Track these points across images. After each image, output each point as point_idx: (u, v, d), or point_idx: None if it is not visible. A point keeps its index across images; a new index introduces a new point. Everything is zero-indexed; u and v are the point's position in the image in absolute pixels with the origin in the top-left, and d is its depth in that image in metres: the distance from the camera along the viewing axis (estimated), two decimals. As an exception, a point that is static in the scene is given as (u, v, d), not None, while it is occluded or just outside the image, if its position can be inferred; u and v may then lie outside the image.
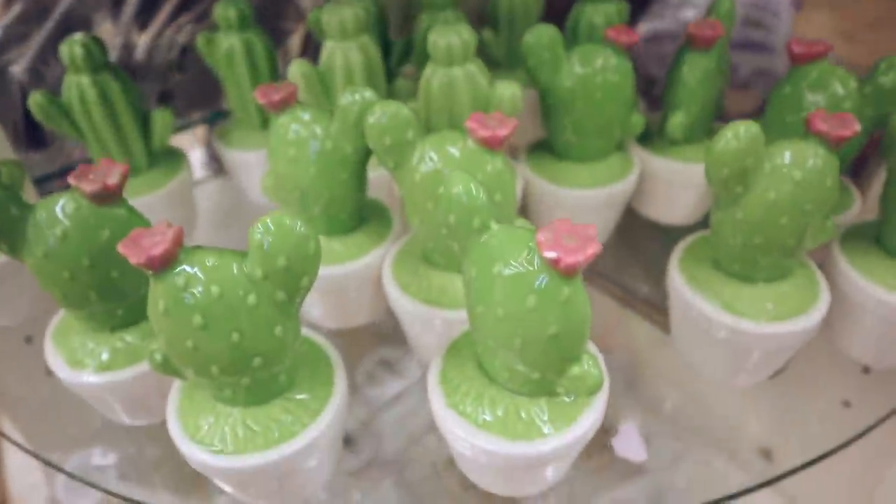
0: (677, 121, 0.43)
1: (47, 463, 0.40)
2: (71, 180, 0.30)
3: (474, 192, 0.26)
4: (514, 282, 0.25)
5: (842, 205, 0.42)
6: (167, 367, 0.28)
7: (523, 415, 0.28)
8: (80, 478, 0.40)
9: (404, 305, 0.35)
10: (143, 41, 0.52)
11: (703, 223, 0.40)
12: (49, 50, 0.55)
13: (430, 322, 0.35)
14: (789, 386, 0.52)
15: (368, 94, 0.33)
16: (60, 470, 0.40)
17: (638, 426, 0.45)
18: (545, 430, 0.28)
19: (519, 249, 0.25)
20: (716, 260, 0.36)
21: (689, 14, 0.74)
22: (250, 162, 0.49)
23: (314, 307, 0.40)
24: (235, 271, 0.25)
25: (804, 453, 0.58)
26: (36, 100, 0.41)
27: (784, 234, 0.32)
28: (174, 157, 0.47)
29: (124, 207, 0.31)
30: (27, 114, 0.52)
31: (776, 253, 0.33)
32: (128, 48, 0.56)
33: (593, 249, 0.24)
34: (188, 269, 0.25)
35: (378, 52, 0.43)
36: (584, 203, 0.43)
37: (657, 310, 0.56)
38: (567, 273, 0.24)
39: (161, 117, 0.44)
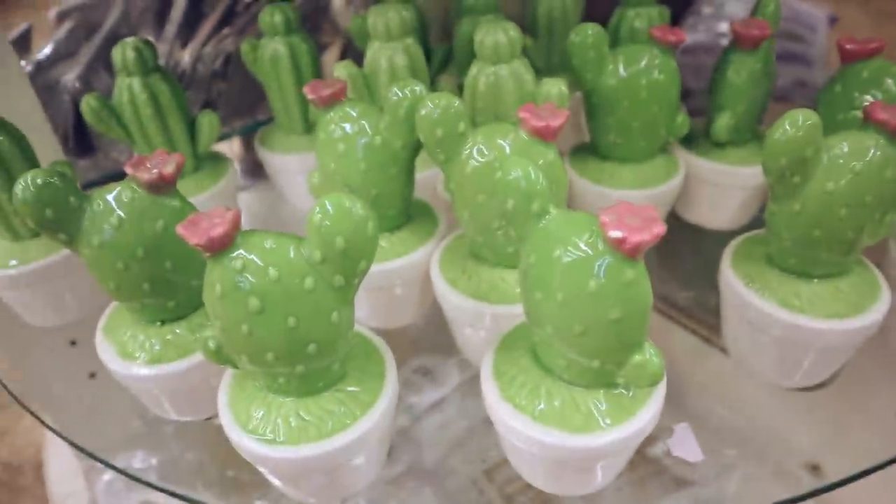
0: (723, 122, 0.43)
1: (100, 460, 0.40)
2: (128, 170, 0.30)
3: (533, 176, 0.26)
4: (575, 265, 0.24)
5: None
6: (220, 356, 0.28)
7: (581, 407, 0.27)
8: (133, 475, 0.40)
9: (453, 301, 0.35)
10: (188, 51, 0.53)
11: (747, 228, 0.40)
12: (97, 63, 0.56)
13: (479, 317, 0.34)
14: (839, 397, 0.50)
15: (419, 87, 0.34)
16: (112, 467, 0.40)
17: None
18: (603, 422, 0.27)
19: (580, 232, 0.25)
20: (770, 256, 0.35)
21: (724, 26, 0.74)
22: (292, 166, 0.49)
23: (359, 306, 0.40)
24: (293, 254, 0.25)
25: (854, 468, 0.56)
26: (89, 102, 0.42)
27: (843, 227, 0.31)
28: (219, 161, 0.48)
29: (178, 198, 0.31)
30: (76, 122, 0.54)
31: (834, 247, 0.32)
32: (172, 62, 0.58)
33: (658, 229, 0.23)
34: (245, 251, 0.25)
35: (422, 54, 0.43)
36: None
37: (699, 320, 0.55)
38: (632, 254, 0.23)
39: (208, 121, 0.45)
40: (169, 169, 0.30)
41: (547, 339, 0.27)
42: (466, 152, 0.32)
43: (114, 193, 0.30)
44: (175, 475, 0.49)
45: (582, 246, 0.24)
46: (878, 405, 0.47)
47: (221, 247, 0.25)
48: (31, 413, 0.45)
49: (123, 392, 0.46)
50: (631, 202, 0.24)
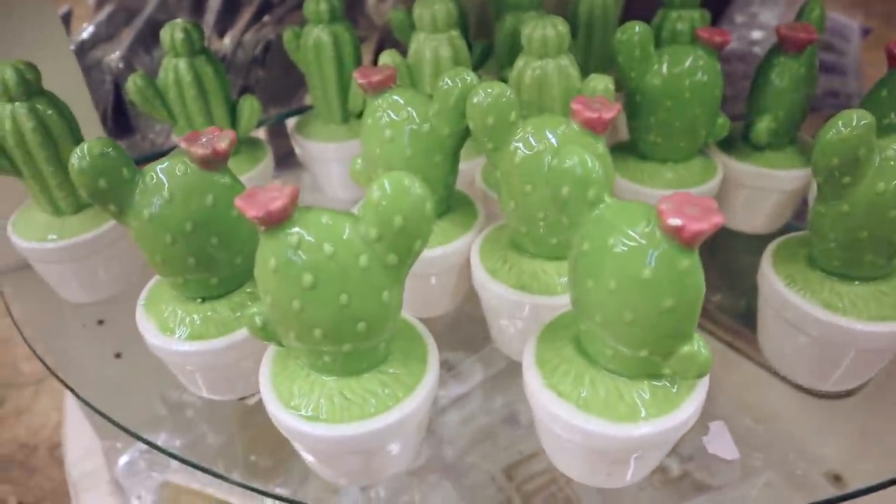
0: (764, 125, 0.43)
1: (132, 434, 0.40)
2: (182, 144, 0.30)
3: (590, 164, 0.26)
4: (630, 253, 0.24)
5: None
6: (266, 332, 0.28)
7: (625, 396, 0.27)
8: (162, 448, 0.40)
9: (493, 290, 0.35)
10: (228, 37, 0.53)
11: (780, 233, 0.39)
12: (137, 46, 0.57)
13: (518, 308, 0.35)
14: (865, 407, 0.50)
15: (470, 76, 0.34)
16: (142, 440, 0.40)
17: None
18: (647, 412, 0.27)
19: (637, 220, 0.25)
20: (812, 258, 0.35)
21: (757, 35, 0.74)
22: (329, 155, 0.50)
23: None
24: (349, 231, 0.25)
25: (876, 478, 0.56)
26: (135, 81, 0.42)
27: (891, 230, 0.31)
28: (257, 146, 0.48)
29: (228, 175, 0.32)
30: (115, 102, 0.54)
31: (881, 249, 0.32)
32: (211, 49, 0.58)
33: (717, 219, 0.23)
34: (301, 226, 0.25)
35: (465, 47, 0.44)
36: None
37: (726, 326, 0.55)
38: (689, 242, 0.23)
39: (249, 104, 0.45)
40: (222, 144, 0.30)
41: (594, 328, 0.27)
42: (516, 142, 0.32)
43: (165, 166, 0.31)
44: (197, 458, 0.49)
45: (638, 234, 0.24)
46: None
47: (279, 220, 0.25)
48: (64, 384, 0.45)
49: (148, 373, 0.46)
50: (689, 193, 0.24)
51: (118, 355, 0.54)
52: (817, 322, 0.33)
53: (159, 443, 0.50)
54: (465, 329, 0.53)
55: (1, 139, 0.38)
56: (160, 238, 0.31)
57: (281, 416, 0.29)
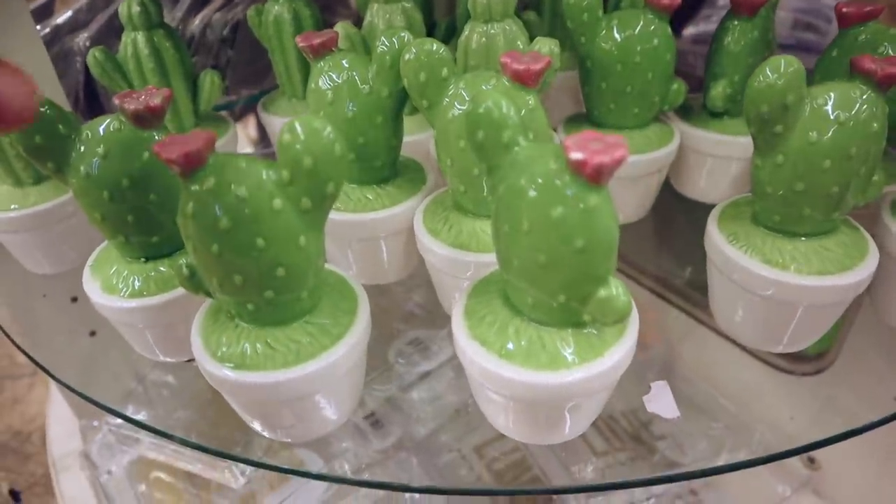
0: (719, 90, 0.43)
1: (103, 406, 0.41)
2: (115, 100, 0.31)
3: (504, 107, 0.26)
4: (540, 191, 0.24)
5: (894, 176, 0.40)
6: (194, 282, 0.29)
7: (547, 345, 0.27)
8: (134, 420, 0.40)
9: (434, 250, 0.35)
10: (198, 17, 0.54)
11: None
12: (109, 31, 0.58)
13: (459, 267, 0.34)
14: (836, 382, 0.49)
15: (406, 34, 0.34)
16: (114, 412, 0.41)
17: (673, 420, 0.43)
18: (570, 360, 0.27)
19: (546, 159, 0.25)
20: (756, 215, 0.34)
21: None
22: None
23: (345, 262, 0.41)
24: (263, 175, 0.26)
25: (848, 456, 0.55)
26: (94, 55, 0.43)
27: (827, 181, 0.31)
28: (220, 121, 0.49)
29: (164, 133, 0.32)
30: (86, 85, 0.55)
31: (819, 203, 0.32)
32: (183, 31, 0.59)
33: (621, 153, 0.23)
34: (217, 171, 0.25)
35: (421, 18, 0.44)
36: (622, 171, 0.43)
37: (693, 300, 0.54)
38: (594, 178, 0.23)
39: (210, 79, 0.46)
40: (156, 101, 0.31)
41: (514, 276, 0.27)
42: (449, 98, 0.33)
43: (102, 125, 0.31)
44: (166, 430, 0.49)
45: (547, 172, 0.24)
46: (878, 392, 0.46)
47: (195, 165, 0.25)
48: (37, 364, 0.46)
49: (122, 350, 0.47)
50: (599, 133, 0.24)
51: (93, 333, 0.55)
52: (760, 279, 0.33)
53: (130, 415, 0.51)
54: (437, 307, 0.53)
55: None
56: (98, 195, 0.31)
57: (209, 366, 0.29)
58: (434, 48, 0.32)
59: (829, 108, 0.30)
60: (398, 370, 0.53)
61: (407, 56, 0.32)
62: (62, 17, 0.58)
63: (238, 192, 0.25)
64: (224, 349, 0.29)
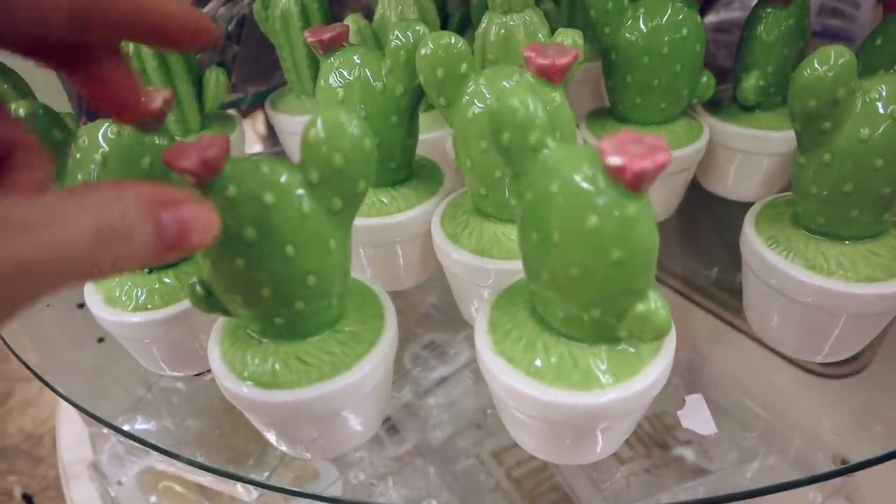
0: (751, 82, 0.40)
1: (104, 422, 0.39)
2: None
3: (531, 106, 0.24)
4: (572, 199, 0.22)
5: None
6: (209, 301, 0.27)
7: (580, 363, 0.25)
8: (136, 437, 0.39)
9: (453, 257, 0.33)
10: (204, 11, 0.52)
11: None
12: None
13: (480, 275, 0.33)
14: (873, 385, 0.47)
15: (422, 28, 0.32)
16: (115, 428, 0.39)
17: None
18: (604, 380, 0.25)
19: (579, 164, 0.23)
20: (797, 217, 0.32)
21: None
22: (299, 129, 0.48)
23: (360, 268, 0.39)
24: (289, 178, 0.24)
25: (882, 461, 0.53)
26: (93, 53, 0.41)
27: (878, 181, 0.28)
28: (226, 120, 0.47)
29: (167, 137, 0.30)
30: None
31: (868, 204, 0.29)
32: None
33: (664, 157, 0.21)
34: (237, 177, 0.23)
35: (434, 10, 0.42)
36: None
37: (721, 302, 0.52)
38: (633, 185, 0.21)
39: (215, 77, 0.44)
40: (156, 104, 0.29)
41: (543, 288, 0.25)
42: (468, 95, 0.30)
43: (101, 130, 0.29)
44: (174, 444, 0.48)
45: (580, 178, 0.22)
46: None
47: (212, 172, 0.23)
48: (40, 378, 0.44)
49: (131, 358, 0.45)
50: (636, 131, 0.22)
51: (101, 340, 0.53)
52: (802, 285, 0.31)
53: (138, 427, 0.49)
54: (453, 310, 0.51)
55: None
56: (97, 204, 0.30)
57: (235, 388, 0.27)
58: (452, 42, 0.30)
59: (882, 102, 0.27)
60: (414, 375, 0.52)
61: (423, 51, 0.30)
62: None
63: (264, 199, 0.23)
64: (251, 368, 0.27)
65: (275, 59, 0.51)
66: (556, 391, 0.25)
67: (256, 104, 0.59)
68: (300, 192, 0.24)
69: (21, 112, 0.28)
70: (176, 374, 0.36)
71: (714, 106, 0.43)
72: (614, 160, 0.21)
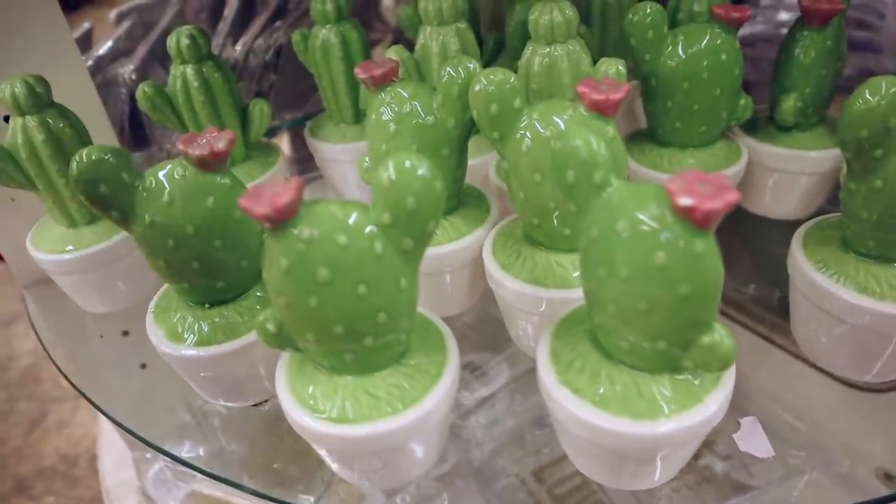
0: (790, 103, 0.41)
1: (153, 446, 0.40)
2: (180, 144, 0.30)
3: (595, 145, 0.25)
4: (641, 237, 0.23)
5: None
6: (280, 338, 0.27)
7: (644, 392, 0.26)
8: (185, 461, 0.40)
9: (507, 286, 0.33)
10: (240, 43, 0.53)
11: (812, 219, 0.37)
12: (152, 59, 0.57)
13: (533, 303, 0.33)
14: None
15: (473, 64, 0.33)
16: (165, 453, 0.40)
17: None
18: (668, 408, 0.25)
19: (646, 202, 0.23)
20: (846, 240, 0.33)
21: (783, 16, 0.71)
22: (341, 156, 0.49)
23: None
24: (361, 219, 0.24)
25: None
26: (144, 90, 0.42)
27: (930, 206, 0.29)
28: (269, 151, 0.48)
29: (229, 176, 0.31)
30: (131, 115, 0.55)
31: (920, 228, 0.30)
32: (224, 57, 0.58)
33: (732, 197, 0.22)
34: (311, 220, 0.24)
35: (474, 38, 0.43)
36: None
37: (760, 318, 0.52)
38: (702, 224, 0.22)
39: (259, 109, 0.45)
40: (220, 145, 0.30)
41: (608, 320, 0.26)
42: (522, 129, 0.31)
43: (165, 171, 0.30)
44: (221, 468, 0.49)
45: (648, 217, 0.23)
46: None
47: (288, 216, 0.24)
48: (87, 399, 0.45)
49: (173, 383, 0.46)
50: (699, 170, 0.23)
51: (143, 366, 0.54)
52: (852, 308, 0.31)
53: (184, 452, 0.50)
54: (489, 329, 0.52)
55: (14, 152, 0.39)
56: (163, 243, 0.30)
57: (307, 422, 0.27)
58: (504, 78, 0.31)
59: (933, 129, 0.28)
60: (456, 397, 0.52)
61: (477, 87, 0.31)
62: (103, 48, 0.58)
63: (338, 240, 0.24)
64: (321, 403, 0.27)
65: (308, 86, 0.52)
66: (621, 420, 0.25)
67: (289, 129, 0.60)
68: (372, 233, 0.24)
69: (93, 157, 0.29)
70: (232, 404, 0.37)
71: (750, 126, 0.44)
72: (685, 201, 0.22)
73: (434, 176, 0.24)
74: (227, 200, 0.31)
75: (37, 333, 0.48)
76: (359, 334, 0.26)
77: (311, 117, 0.54)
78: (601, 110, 0.30)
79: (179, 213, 0.30)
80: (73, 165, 0.29)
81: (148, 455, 0.58)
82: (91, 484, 0.83)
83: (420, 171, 0.24)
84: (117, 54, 0.60)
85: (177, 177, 0.30)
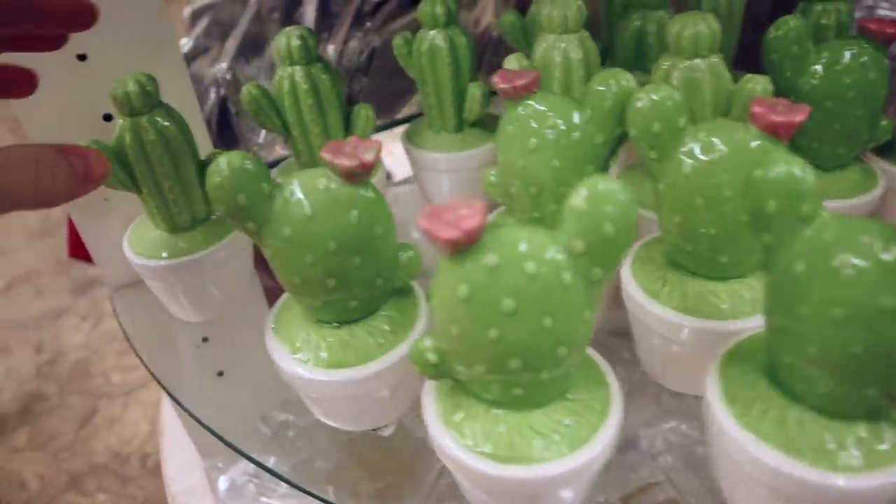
0: (934, 127, 0.38)
1: (244, 454, 0.38)
2: (325, 155, 0.28)
3: (802, 174, 0.23)
4: (865, 277, 0.21)
5: None
6: (441, 369, 0.25)
7: (844, 441, 0.24)
8: (271, 470, 0.38)
9: (656, 314, 0.31)
10: (332, 45, 0.52)
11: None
12: (239, 59, 0.56)
13: (679, 332, 0.31)
14: None
15: (627, 79, 0.31)
16: (254, 461, 0.38)
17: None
18: (867, 462, 0.23)
19: (867, 239, 0.21)
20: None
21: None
22: (440, 165, 0.47)
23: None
24: (552, 246, 0.23)
25: None
26: (250, 91, 0.41)
27: None
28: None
29: (371, 189, 0.29)
30: (219, 114, 0.53)
31: None
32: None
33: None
34: (496, 246, 0.22)
35: (595, 48, 0.41)
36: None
37: None
38: (944, 266, 0.20)
39: (365, 113, 0.43)
40: (369, 156, 0.28)
41: (807, 364, 0.23)
42: (684, 150, 0.29)
43: (307, 180, 0.29)
44: (305, 482, 0.47)
45: (872, 256, 0.21)
46: None
47: (473, 241, 0.22)
48: (179, 404, 0.44)
49: (250, 393, 0.44)
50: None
51: (220, 374, 0.53)
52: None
53: (269, 464, 0.49)
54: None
55: (122, 152, 0.37)
56: (300, 258, 0.29)
57: (461, 457, 0.25)
58: (668, 94, 0.29)
59: None
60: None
61: (639, 104, 0.29)
62: (186, 46, 0.57)
63: (526, 269, 0.22)
64: (479, 438, 0.25)
65: (396, 90, 0.50)
66: (818, 471, 0.23)
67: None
68: (563, 261, 0.23)
69: (235, 165, 0.27)
70: (352, 428, 0.35)
71: (884, 150, 0.42)
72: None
73: (632, 201, 0.22)
74: (370, 214, 0.29)
75: (127, 337, 0.47)
76: (536, 369, 0.24)
77: (398, 123, 0.53)
78: (777, 133, 0.28)
79: (321, 227, 0.28)
80: (213, 174, 0.27)
81: (220, 464, 0.56)
82: (144, 484, 0.82)
83: (619, 197, 0.22)
84: (197, 52, 0.58)
85: (320, 188, 0.28)
